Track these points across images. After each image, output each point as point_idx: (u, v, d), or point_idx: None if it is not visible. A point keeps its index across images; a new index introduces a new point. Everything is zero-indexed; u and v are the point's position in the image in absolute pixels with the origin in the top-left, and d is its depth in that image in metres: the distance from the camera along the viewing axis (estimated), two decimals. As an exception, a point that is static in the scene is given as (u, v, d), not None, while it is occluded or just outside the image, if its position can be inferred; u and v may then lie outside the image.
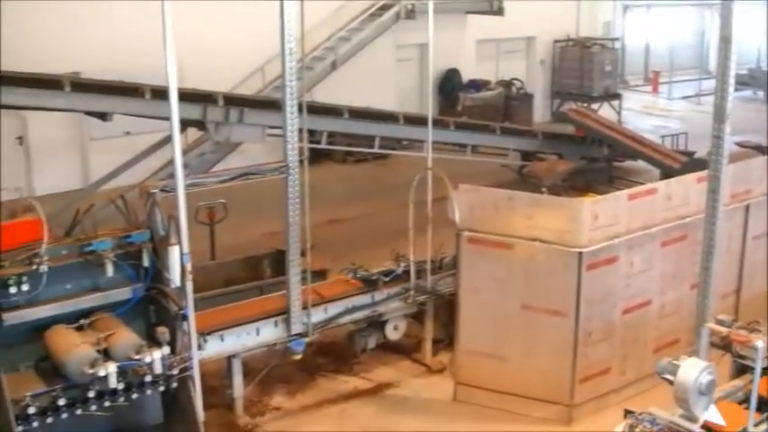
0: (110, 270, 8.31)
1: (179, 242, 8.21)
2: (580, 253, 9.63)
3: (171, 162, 14.54)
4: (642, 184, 13.17)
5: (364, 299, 10.83)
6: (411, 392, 10.89)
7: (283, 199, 9.69)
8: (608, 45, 28.30)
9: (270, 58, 19.58)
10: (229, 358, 9.93)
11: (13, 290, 7.90)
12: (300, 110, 9.65)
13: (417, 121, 16.45)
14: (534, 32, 28.45)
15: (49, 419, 7.86)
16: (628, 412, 6.85)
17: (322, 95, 16.67)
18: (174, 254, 8.20)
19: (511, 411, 10.09)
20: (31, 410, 7.71)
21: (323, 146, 16.03)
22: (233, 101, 14.34)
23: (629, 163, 20.57)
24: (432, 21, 10.93)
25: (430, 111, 11.64)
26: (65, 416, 7.93)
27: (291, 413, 10.50)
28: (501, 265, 10.07)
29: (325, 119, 15.33)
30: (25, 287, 7.95)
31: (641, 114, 29.21)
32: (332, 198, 16.13)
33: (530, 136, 19.76)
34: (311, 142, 10.03)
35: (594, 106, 26.34)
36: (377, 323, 11.17)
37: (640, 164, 19.88)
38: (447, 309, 11.29)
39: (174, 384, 8.37)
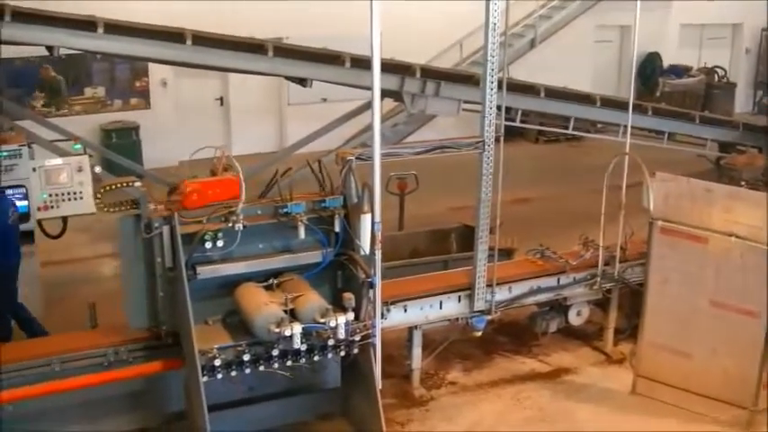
0: (302, 233, 8.43)
1: (371, 210, 8.27)
2: (779, 253, 9.20)
3: (364, 130, 14.90)
4: None
5: (550, 281, 10.66)
6: (588, 380, 10.66)
7: (475, 174, 9.64)
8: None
9: (469, 32, 19.62)
10: (410, 329, 9.98)
11: (208, 245, 8.13)
12: (499, 86, 9.53)
13: (614, 104, 16.07)
14: (741, 19, 27.37)
15: (233, 373, 8.09)
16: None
17: (517, 73, 16.44)
18: (366, 221, 8.27)
19: (689, 410, 9.75)
20: (217, 362, 7.93)
21: (517, 124, 15.87)
22: (430, 73, 14.31)
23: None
24: (639, 2, 10.62)
25: (631, 94, 11.31)
26: (248, 371, 8.14)
27: (467, 389, 10.46)
28: (693, 259, 9.71)
29: (521, 97, 15.12)
30: (220, 243, 8.17)
31: None
32: (522, 177, 15.96)
33: (730, 126, 18.93)
34: (506, 119, 9.90)
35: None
36: (560, 307, 10.99)
37: None
38: (631, 298, 11.02)
39: (355, 350, 8.47)
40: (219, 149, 8.59)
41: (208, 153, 8.61)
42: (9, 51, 16.69)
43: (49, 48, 12.54)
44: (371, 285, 8.38)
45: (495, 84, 9.41)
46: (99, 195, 8.51)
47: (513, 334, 11.57)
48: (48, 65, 19.32)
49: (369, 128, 14.76)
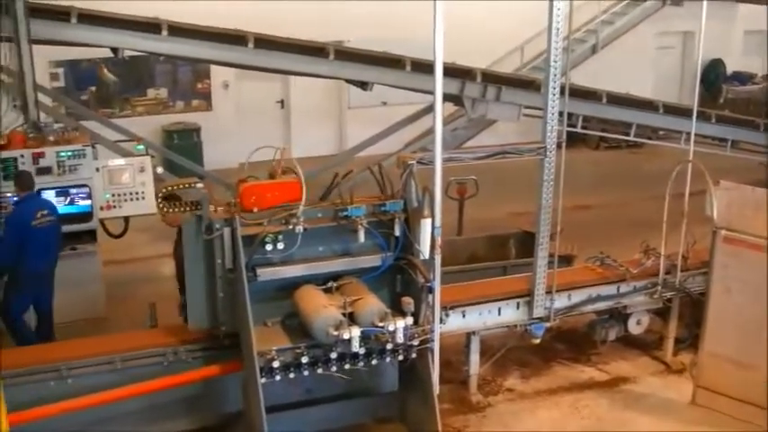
0: (362, 236, 8.41)
1: (432, 215, 8.24)
2: None
3: (424, 134, 14.90)
4: None
5: (609, 289, 10.54)
6: (647, 390, 10.53)
7: (535, 180, 9.58)
8: None
9: (530, 37, 19.50)
10: (468, 335, 9.94)
11: (269, 247, 8.14)
12: (561, 92, 9.47)
13: (677, 110, 15.91)
14: (809, 26, 26.92)
15: (291, 375, 8.09)
16: None
17: (577, 78, 16.32)
18: (427, 226, 8.23)
19: (750, 422, 9.58)
20: (276, 364, 7.95)
21: (578, 130, 15.76)
22: (491, 78, 14.30)
23: None
24: (705, 8, 10.48)
25: (695, 101, 11.19)
26: (306, 373, 8.14)
27: (524, 396, 10.40)
28: (757, 269, 9.52)
29: (583, 102, 15.03)
30: (280, 246, 8.18)
31: None
32: (582, 183, 15.80)
33: (794, 135, 18.64)
34: (567, 125, 9.84)
35: None
36: (619, 315, 10.87)
37: None
38: (692, 308, 10.86)
39: (414, 355, 8.42)
40: (279, 151, 8.61)
41: (268, 155, 8.64)
42: (73, 53, 17.03)
43: (114, 49, 12.72)
44: (430, 290, 8.35)
45: (558, 89, 9.33)
46: (160, 196, 8.59)
47: (571, 342, 11.48)
48: (103, 65, 19.61)
49: (428, 132, 14.87)
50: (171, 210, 8.57)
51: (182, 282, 8.95)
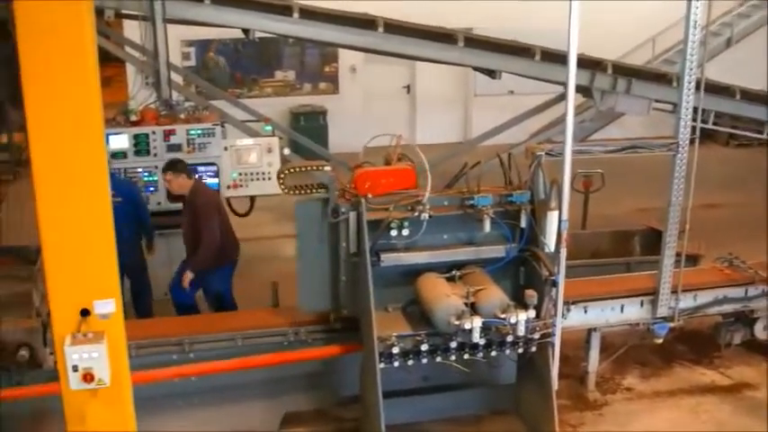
0: (487, 226, 8.33)
1: (559, 208, 8.14)
2: None
3: (550, 125, 14.72)
4: None
5: (737, 292, 10.22)
6: (772, 398, 10.27)
7: (662, 176, 9.37)
8: None
9: (662, 30, 19.10)
10: (589, 331, 9.81)
11: (393, 233, 8.15)
12: (696, 86, 9.21)
13: (815, 109, 15.39)
14: None
15: (410, 362, 8.10)
16: None
17: (707, 73, 15.90)
18: (553, 219, 8.13)
19: None
20: (395, 350, 7.96)
21: (710, 126, 15.36)
22: (622, 70, 14.02)
23: None
24: None
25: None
26: (424, 361, 8.14)
27: (643, 396, 10.23)
28: None
29: (715, 98, 14.63)
30: (405, 232, 8.17)
31: None
32: (710, 181, 15.40)
33: None
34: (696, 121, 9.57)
35: None
36: (746, 319, 10.54)
37: None
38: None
39: (533, 348, 8.35)
40: (395, 138, 8.60)
41: (389, 141, 8.65)
42: (204, 33, 17.36)
43: (245, 30, 12.88)
44: (554, 284, 8.23)
45: (693, 83, 9.10)
46: (282, 177, 8.65)
47: (693, 343, 11.22)
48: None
49: (554, 123, 14.70)
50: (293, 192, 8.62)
51: None
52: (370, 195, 8.21)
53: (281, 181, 8.59)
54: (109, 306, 5.49)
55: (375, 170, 8.42)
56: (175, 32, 14.68)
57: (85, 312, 5.42)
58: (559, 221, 8.16)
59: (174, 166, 10.33)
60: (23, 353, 7.73)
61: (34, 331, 7.81)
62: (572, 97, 8.18)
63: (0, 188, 16.88)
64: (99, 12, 11.79)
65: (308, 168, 8.85)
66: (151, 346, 8.38)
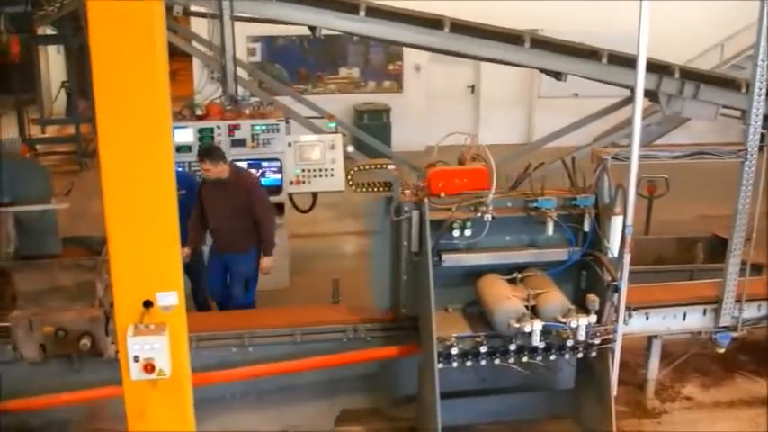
0: (550, 229, 8.28)
1: (624, 213, 8.06)
2: None
3: (614, 129, 14.61)
4: None
5: (802, 303, 10.08)
6: (833, 412, 10.08)
7: (728, 183, 9.24)
8: None
9: (731, 34, 18.85)
10: (650, 338, 9.68)
11: (456, 233, 8.10)
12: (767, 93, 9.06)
13: None
14: None
15: (468, 363, 8.06)
16: None
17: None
18: (618, 223, 8.04)
19: None
20: (454, 351, 7.94)
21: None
22: (689, 74, 13.84)
23: None
24: None
25: None
26: (483, 362, 8.10)
27: (702, 406, 10.08)
28: None
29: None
30: (468, 233, 8.12)
31: None
32: (773, 189, 15.24)
33: None
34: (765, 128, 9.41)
35: None
36: (811, 331, 10.41)
37: None
38: None
39: (593, 354, 8.27)
40: (469, 138, 8.57)
41: (455, 140, 8.62)
42: (270, 29, 17.45)
43: (311, 28, 12.93)
44: (617, 289, 8.13)
45: (764, 90, 8.95)
46: (350, 175, 8.68)
47: (756, 354, 11.01)
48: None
49: (618, 126, 14.57)
50: (362, 189, 8.61)
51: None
52: (443, 194, 8.19)
53: (350, 178, 8.61)
54: (171, 298, 5.53)
55: (449, 169, 8.37)
56: (241, 28, 14.78)
57: (148, 304, 5.47)
58: (624, 226, 8.07)
59: (210, 154, 9.92)
60: (85, 341, 7.89)
61: (97, 321, 7.95)
62: (640, 101, 8.09)
63: (67, 178, 17.13)
64: (168, 8, 11.91)
65: (375, 167, 8.87)
66: (211, 339, 8.45)
